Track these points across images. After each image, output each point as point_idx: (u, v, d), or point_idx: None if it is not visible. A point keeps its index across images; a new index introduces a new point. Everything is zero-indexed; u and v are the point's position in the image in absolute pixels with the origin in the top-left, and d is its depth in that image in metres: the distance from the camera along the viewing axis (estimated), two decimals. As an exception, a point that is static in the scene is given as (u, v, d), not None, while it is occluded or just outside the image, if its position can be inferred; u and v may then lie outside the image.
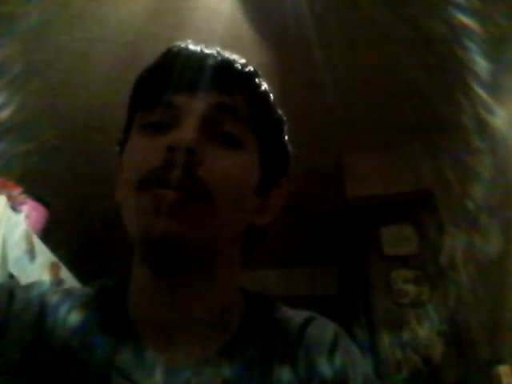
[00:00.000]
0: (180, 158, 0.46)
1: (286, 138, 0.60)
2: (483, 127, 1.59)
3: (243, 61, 0.55)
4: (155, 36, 1.74)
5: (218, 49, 0.55)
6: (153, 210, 0.46)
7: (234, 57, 0.55)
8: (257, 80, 0.56)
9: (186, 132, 0.48)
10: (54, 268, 1.76)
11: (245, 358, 0.49)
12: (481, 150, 1.63)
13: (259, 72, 0.57)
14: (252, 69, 0.56)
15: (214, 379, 0.47)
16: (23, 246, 1.58)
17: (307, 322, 0.56)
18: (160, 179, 0.46)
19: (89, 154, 2.28)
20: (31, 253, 1.62)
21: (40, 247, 1.71)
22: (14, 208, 1.61)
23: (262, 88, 0.56)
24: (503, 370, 1.49)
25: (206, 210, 0.47)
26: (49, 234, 1.87)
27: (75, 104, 2.05)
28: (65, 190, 2.36)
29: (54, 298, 0.52)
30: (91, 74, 1.92)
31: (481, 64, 1.41)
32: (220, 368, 0.48)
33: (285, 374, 0.49)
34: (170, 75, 0.52)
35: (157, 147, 0.48)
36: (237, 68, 0.54)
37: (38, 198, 1.86)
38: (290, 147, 0.61)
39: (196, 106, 0.50)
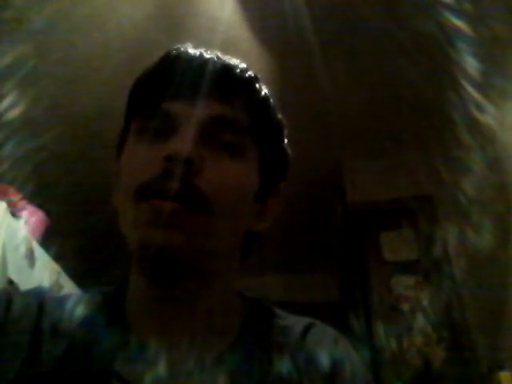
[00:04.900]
0: (178, 168, 0.45)
1: (286, 142, 0.60)
2: (476, 126, 1.61)
3: (243, 65, 0.54)
4: (156, 42, 1.74)
5: (218, 53, 0.54)
6: (151, 220, 0.45)
7: (233, 61, 0.54)
8: (257, 85, 0.55)
9: (184, 142, 0.47)
10: (53, 273, 1.76)
11: (245, 360, 0.49)
12: (474, 148, 1.65)
13: (259, 77, 0.56)
14: (252, 74, 0.55)
15: (215, 380, 0.47)
16: (23, 251, 1.57)
17: (308, 328, 0.56)
18: (158, 189, 0.46)
19: (89, 160, 2.28)
20: (31, 258, 1.61)
21: (39, 253, 1.71)
22: (14, 214, 1.60)
23: (262, 94, 0.55)
24: (504, 376, 1.48)
25: (204, 221, 0.47)
26: (48, 239, 1.86)
27: (75, 110, 2.06)
28: (65, 196, 2.36)
29: (52, 303, 0.52)
30: (92, 80, 1.93)
31: (472, 64, 1.42)
32: (220, 369, 0.48)
33: (285, 375, 0.49)
34: (168, 81, 0.51)
35: (154, 156, 0.47)
36: (236, 74, 0.53)
37: (38, 203, 1.86)
38: (289, 151, 0.60)
39: (195, 115, 0.49)
